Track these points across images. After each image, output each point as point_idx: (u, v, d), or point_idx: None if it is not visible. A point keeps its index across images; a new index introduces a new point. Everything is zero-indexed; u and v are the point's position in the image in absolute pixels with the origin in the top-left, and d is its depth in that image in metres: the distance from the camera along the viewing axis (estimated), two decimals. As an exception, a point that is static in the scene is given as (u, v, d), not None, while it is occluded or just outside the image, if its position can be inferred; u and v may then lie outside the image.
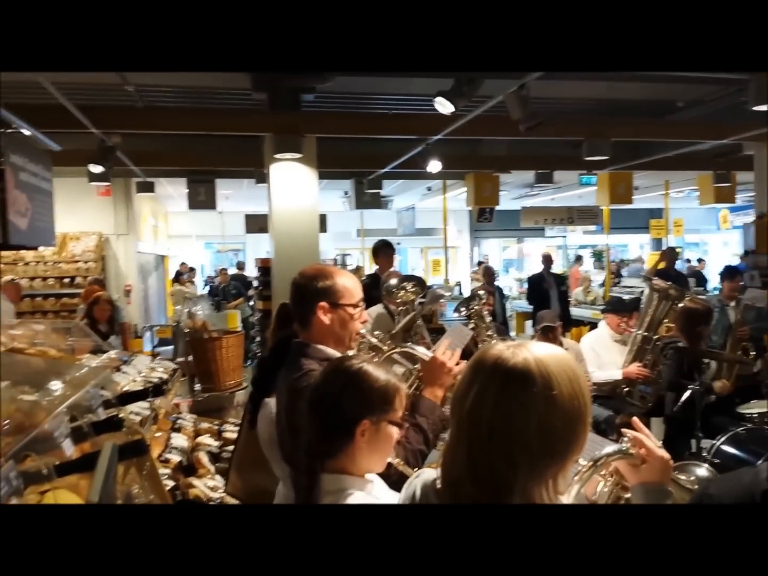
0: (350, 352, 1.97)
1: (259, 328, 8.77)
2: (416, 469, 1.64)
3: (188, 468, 3.68)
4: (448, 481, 1.13)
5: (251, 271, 14.01)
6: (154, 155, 7.96)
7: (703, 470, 1.51)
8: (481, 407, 1.06)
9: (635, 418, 1.40)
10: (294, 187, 6.37)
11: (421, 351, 2.11)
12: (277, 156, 6.13)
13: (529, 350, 1.08)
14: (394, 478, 1.62)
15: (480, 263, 12.15)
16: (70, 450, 1.76)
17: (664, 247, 13.54)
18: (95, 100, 5.96)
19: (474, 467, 1.07)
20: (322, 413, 1.53)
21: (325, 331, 1.98)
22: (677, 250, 9.14)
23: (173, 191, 11.62)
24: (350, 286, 2.01)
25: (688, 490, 1.39)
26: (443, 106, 4.31)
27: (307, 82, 5.48)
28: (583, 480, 1.25)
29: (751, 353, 5.08)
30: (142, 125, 6.18)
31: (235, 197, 12.77)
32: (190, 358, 6.03)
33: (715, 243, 19.08)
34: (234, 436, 4.28)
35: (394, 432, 1.55)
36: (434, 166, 7.20)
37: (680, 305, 4.43)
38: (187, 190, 9.02)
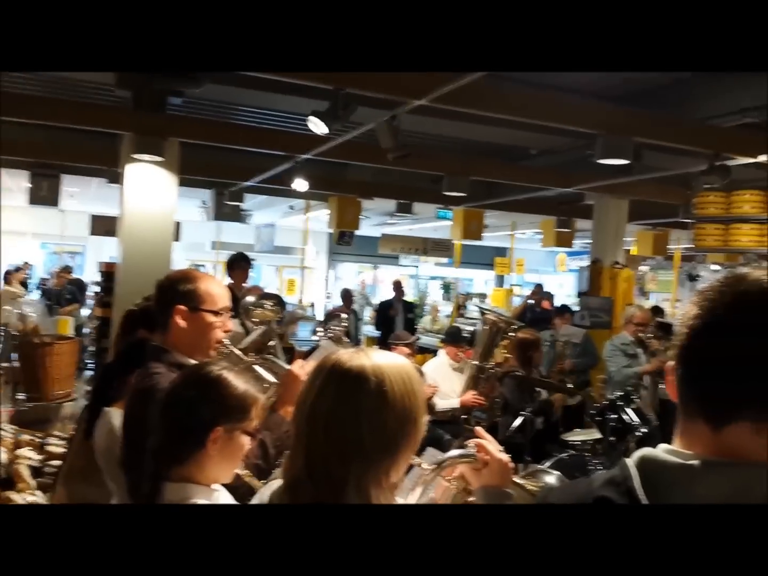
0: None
1: (94, 336, 8.20)
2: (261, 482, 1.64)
3: (6, 481, 3.40)
4: (288, 482, 1.17)
5: (90, 276, 13.13)
6: (-5, 143, 7.26)
7: (552, 477, 1.62)
8: (318, 407, 1.13)
9: (478, 428, 1.49)
10: (150, 190, 6.07)
11: (281, 364, 2.10)
12: (136, 156, 5.83)
13: (366, 354, 1.16)
14: (241, 491, 1.60)
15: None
16: None
17: (506, 284, 14.42)
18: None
19: (310, 466, 1.12)
20: (175, 417, 1.49)
21: (182, 336, 1.93)
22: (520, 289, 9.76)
23: (12, 183, 10.65)
24: (214, 293, 1.98)
25: (533, 494, 1.50)
26: (316, 126, 4.33)
27: (176, 85, 5.28)
28: (427, 482, 1.33)
29: (569, 385, 5.53)
30: (-15, 108, 5.63)
31: (81, 196, 11.94)
32: (16, 363, 5.52)
33: (551, 284, 20.53)
34: (58, 450, 4.07)
35: (247, 442, 1.55)
36: (300, 185, 7.20)
37: (513, 336, 4.76)
38: (29, 184, 8.32)
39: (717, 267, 13.23)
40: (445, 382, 5.03)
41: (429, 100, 4.15)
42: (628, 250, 10.68)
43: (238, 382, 1.54)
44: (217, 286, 2.02)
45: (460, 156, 7.20)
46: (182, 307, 1.92)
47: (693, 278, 13.54)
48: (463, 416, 4.74)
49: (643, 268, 13.74)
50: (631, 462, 0.92)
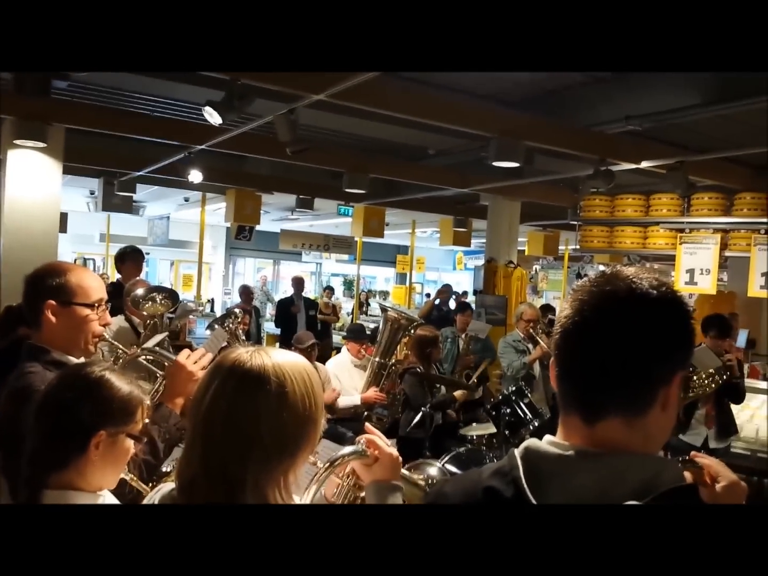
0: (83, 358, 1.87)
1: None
2: (149, 484, 1.59)
3: None
4: (182, 484, 1.14)
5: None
6: None
7: (434, 469, 1.70)
8: (216, 407, 1.10)
9: (367, 424, 1.53)
10: (33, 178, 5.72)
11: (167, 355, 2.03)
12: (17, 142, 5.47)
13: (267, 354, 1.14)
14: (129, 496, 1.54)
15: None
16: None
17: (407, 282, 14.64)
18: None
19: (207, 467, 1.09)
20: (53, 421, 1.40)
21: (55, 332, 1.83)
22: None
23: None
24: (87, 285, 1.88)
25: (419, 486, 1.54)
26: (211, 117, 4.21)
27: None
28: (321, 481, 1.34)
29: (473, 380, 5.68)
30: None
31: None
32: None
33: (450, 281, 21.01)
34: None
35: (132, 446, 1.49)
36: (195, 176, 6.99)
37: (413, 333, 4.83)
38: None
39: (603, 267, 13.99)
40: (346, 378, 5.04)
41: (327, 96, 4.13)
42: (522, 250, 11.11)
43: (122, 383, 1.48)
44: (89, 278, 1.92)
45: (359, 153, 7.22)
46: (52, 301, 1.82)
47: (581, 277, 14.23)
48: (364, 413, 4.76)
49: (535, 268, 14.32)
50: (517, 453, 0.95)
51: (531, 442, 0.96)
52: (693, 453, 1.24)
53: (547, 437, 0.97)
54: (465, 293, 10.58)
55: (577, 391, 0.95)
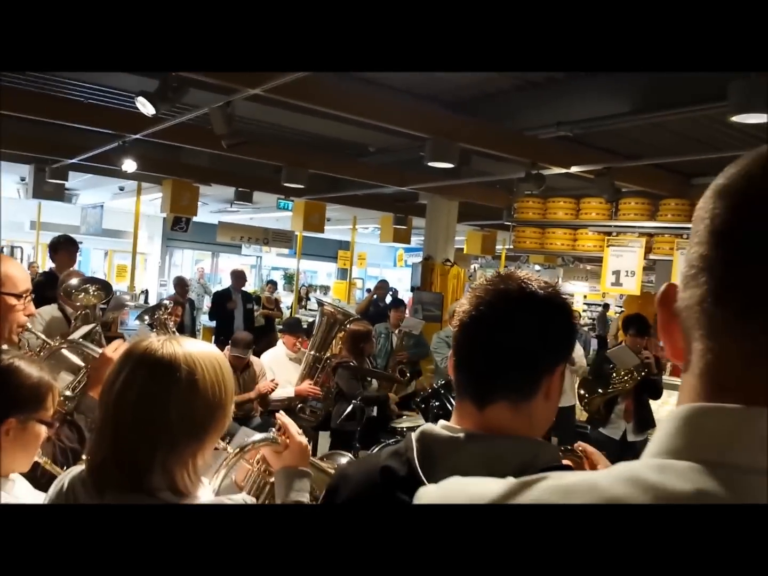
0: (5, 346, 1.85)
1: None
2: (65, 468, 1.60)
3: None
4: (93, 466, 1.17)
5: None
6: None
7: (345, 458, 1.77)
8: (127, 392, 1.14)
9: (279, 413, 1.58)
10: (-43, 162, 5.52)
11: (90, 347, 2.04)
12: (-59, 125, 5.28)
13: (178, 343, 1.19)
14: (43, 480, 1.55)
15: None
16: None
17: (348, 277, 14.71)
18: None
19: (117, 450, 1.13)
20: None
21: None
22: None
23: None
24: (12, 274, 1.88)
25: (327, 473, 1.61)
26: (144, 107, 4.16)
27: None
28: (230, 465, 1.37)
29: (407, 375, 5.78)
30: None
31: None
32: None
33: (391, 278, 21.14)
34: None
35: (43, 431, 1.50)
36: (129, 165, 6.86)
37: (347, 327, 4.89)
38: None
39: (538, 267, 14.35)
40: (282, 371, 5.06)
41: (263, 91, 4.13)
42: (461, 249, 11.29)
43: (32, 370, 1.49)
44: (16, 268, 1.93)
45: (298, 148, 7.21)
46: None
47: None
48: (298, 405, 4.79)
49: (473, 266, 14.57)
50: (414, 436, 1.03)
51: (427, 426, 1.04)
52: (577, 443, 1.35)
53: (441, 422, 1.05)
54: (395, 290, 10.53)
55: (471, 379, 1.04)
